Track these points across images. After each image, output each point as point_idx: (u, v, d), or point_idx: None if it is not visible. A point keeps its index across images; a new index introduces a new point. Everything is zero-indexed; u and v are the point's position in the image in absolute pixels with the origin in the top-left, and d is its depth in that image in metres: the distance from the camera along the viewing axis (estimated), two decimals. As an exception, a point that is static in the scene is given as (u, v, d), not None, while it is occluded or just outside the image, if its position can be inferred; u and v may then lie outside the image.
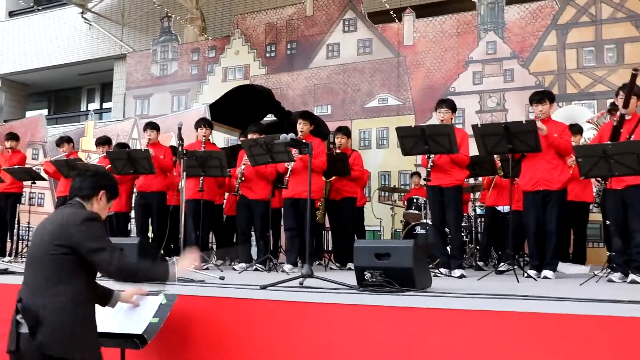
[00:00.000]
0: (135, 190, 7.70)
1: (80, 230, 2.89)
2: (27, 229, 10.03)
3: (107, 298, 3.36)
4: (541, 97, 5.69)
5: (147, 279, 3.20)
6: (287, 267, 6.36)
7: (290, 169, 6.40)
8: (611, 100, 6.17)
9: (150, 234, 7.64)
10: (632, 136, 5.12)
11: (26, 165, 8.98)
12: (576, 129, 6.68)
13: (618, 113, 5.21)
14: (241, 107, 10.05)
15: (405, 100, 10.61)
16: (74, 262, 2.90)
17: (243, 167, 6.74)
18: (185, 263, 3.36)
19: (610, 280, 4.99)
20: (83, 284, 2.95)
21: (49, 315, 2.81)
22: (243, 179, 6.76)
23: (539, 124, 5.48)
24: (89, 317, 3.00)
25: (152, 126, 7.59)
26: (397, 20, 10.88)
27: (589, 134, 6.57)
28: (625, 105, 5.08)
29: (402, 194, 9.33)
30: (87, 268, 2.97)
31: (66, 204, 3.14)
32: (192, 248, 6.79)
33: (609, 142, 5.00)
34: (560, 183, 5.57)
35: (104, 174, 3.26)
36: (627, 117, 5.16)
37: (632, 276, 4.85)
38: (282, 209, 6.93)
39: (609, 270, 5.20)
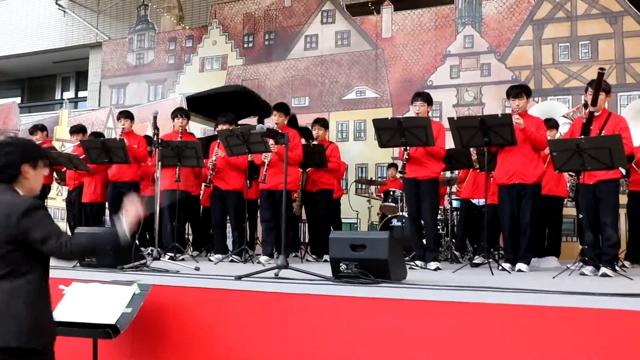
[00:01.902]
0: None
1: (23, 224, 2.60)
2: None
3: None
4: (518, 91, 5.74)
5: (101, 248, 3.04)
6: (263, 258, 6.34)
7: (267, 162, 6.38)
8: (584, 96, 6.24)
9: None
10: (603, 132, 5.19)
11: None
12: (552, 124, 6.74)
13: (587, 110, 5.28)
14: (222, 102, 9.96)
15: (383, 92, 10.62)
16: (24, 255, 2.66)
17: (214, 158, 6.71)
18: (131, 214, 3.00)
19: (583, 274, 5.06)
20: (37, 276, 2.71)
21: None
22: (215, 170, 6.72)
23: (517, 117, 5.53)
24: (39, 307, 2.72)
25: (126, 115, 7.50)
26: (375, 13, 10.87)
27: (564, 129, 6.64)
28: (594, 103, 5.16)
29: (379, 186, 9.35)
30: (37, 261, 2.72)
31: None
32: (167, 239, 6.82)
33: (582, 137, 5.06)
34: (535, 177, 5.63)
35: (13, 144, 2.75)
36: (597, 114, 5.23)
37: (603, 269, 4.93)
38: (259, 200, 6.90)
39: (581, 263, 5.27)
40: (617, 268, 5.11)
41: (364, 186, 9.73)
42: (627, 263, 6.59)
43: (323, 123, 7.57)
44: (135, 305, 3.59)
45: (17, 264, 2.64)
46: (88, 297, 3.70)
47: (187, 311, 3.92)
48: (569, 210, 7.73)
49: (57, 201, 10.99)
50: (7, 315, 2.59)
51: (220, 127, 6.83)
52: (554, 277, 4.79)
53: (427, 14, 10.52)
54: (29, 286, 2.66)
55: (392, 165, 9.31)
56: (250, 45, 11.88)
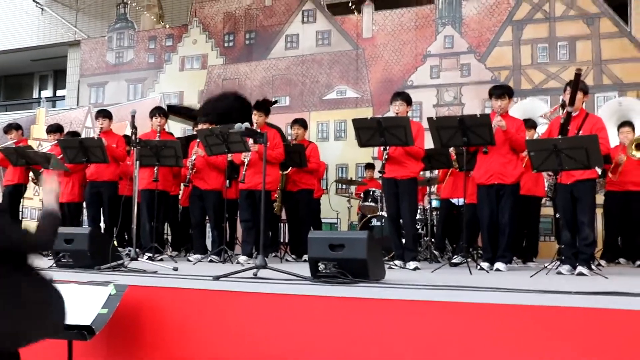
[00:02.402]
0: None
1: None
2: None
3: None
4: (501, 92, 5.77)
5: (55, 231, 2.93)
6: (242, 258, 6.31)
7: (246, 162, 6.36)
8: (562, 96, 6.30)
9: (102, 224, 7.49)
10: (580, 132, 5.24)
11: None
12: (530, 124, 6.80)
13: (565, 110, 5.32)
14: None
15: (364, 92, 10.63)
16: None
17: (194, 157, 6.67)
18: (47, 189, 3.00)
19: (560, 273, 5.10)
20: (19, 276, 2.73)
21: None
22: (194, 170, 6.68)
23: (499, 119, 5.56)
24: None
25: (104, 114, 7.42)
26: (356, 12, 10.88)
27: (543, 129, 6.70)
28: (571, 103, 5.21)
29: (357, 186, 9.36)
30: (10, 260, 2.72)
31: None
32: (146, 239, 6.77)
33: (559, 137, 5.10)
34: (514, 177, 5.67)
35: None
36: (574, 114, 5.28)
37: (579, 268, 4.97)
38: (239, 200, 6.87)
39: (558, 262, 5.31)
40: (593, 267, 5.15)
41: (344, 186, 9.73)
42: (603, 262, 6.66)
43: (302, 123, 7.57)
44: (111, 306, 3.56)
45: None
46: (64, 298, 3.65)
47: (164, 312, 3.89)
48: (547, 210, 7.80)
49: (33, 201, 10.87)
50: None
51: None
52: (531, 276, 4.82)
53: (408, 14, 10.55)
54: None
55: (369, 166, 9.33)
56: (231, 44, 11.84)
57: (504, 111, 5.73)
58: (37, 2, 14.12)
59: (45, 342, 3.65)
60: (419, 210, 7.37)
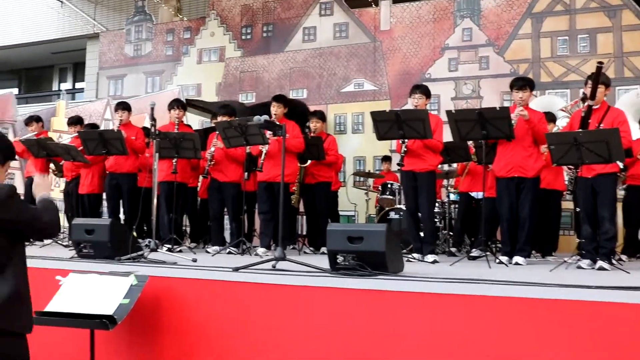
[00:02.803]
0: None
1: (8, 209, 2.58)
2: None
3: None
4: (523, 83, 5.72)
5: (55, 211, 2.87)
6: (260, 250, 6.34)
7: (264, 152, 6.38)
8: (583, 90, 6.24)
9: (121, 215, 7.56)
10: (602, 125, 5.19)
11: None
12: (549, 118, 6.74)
13: (586, 103, 5.27)
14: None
15: (381, 85, 10.60)
16: (8, 242, 2.63)
17: (213, 149, 6.70)
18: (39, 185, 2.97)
19: (580, 267, 5.06)
20: (22, 265, 2.71)
21: None
22: (213, 161, 6.71)
23: (521, 109, 5.52)
24: (25, 292, 2.72)
25: (124, 106, 7.47)
26: (373, 5, 10.84)
27: (562, 122, 6.64)
28: (592, 96, 5.15)
29: (374, 179, 9.35)
30: (19, 246, 2.71)
31: None
32: (165, 230, 6.82)
33: (580, 130, 5.06)
34: (535, 170, 5.62)
35: None
36: (595, 107, 5.23)
37: (600, 263, 4.93)
38: (257, 192, 6.90)
39: (578, 257, 5.27)
40: (614, 262, 5.11)
41: (361, 179, 9.74)
42: (624, 257, 6.59)
43: (321, 116, 7.57)
44: (133, 296, 3.60)
45: (3, 249, 2.61)
46: (85, 287, 3.70)
47: (184, 302, 3.93)
48: (566, 203, 7.73)
49: (54, 192, 10.98)
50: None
51: (219, 119, 6.81)
52: (550, 270, 4.79)
53: (426, 6, 10.50)
54: (16, 271, 2.65)
55: (386, 159, 9.31)
56: (249, 37, 11.85)
57: (525, 103, 5.67)
58: (57, -5, 14.24)
59: (67, 331, 3.72)
60: (437, 204, 7.35)
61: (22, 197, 2.74)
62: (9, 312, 2.60)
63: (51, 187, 2.99)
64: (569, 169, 6.72)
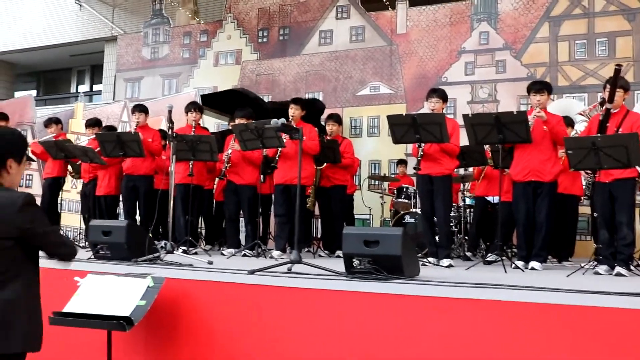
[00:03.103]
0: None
1: (24, 218, 2.53)
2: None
3: None
4: (540, 87, 5.68)
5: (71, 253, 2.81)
6: (275, 253, 6.35)
7: (280, 151, 6.40)
8: (601, 94, 6.20)
9: (137, 217, 7.61)
10: (620, 129, 5.14)
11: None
12: (567, 122, 6.70)
13: (604, 107, 5.23)
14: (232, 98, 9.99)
15: (397, 89, 10.59)
16: (20, 252, 2.58)
17: (230, 151, 6.72)
18: None
19: (597, 273, 5.02)
20: (32, 275, 2.65)
21: None
22: (229, 164, 6.74)
23: (538, 110, 5.48)
24: (36, 308, 2.67)
25: (141, 109, 7.53)
26: (390, 8, 10.83)
27: (580, 126, 6.59)
28: (610, 100, 5.10)
29: (389, 182, 9.34)
30: (32, 256, 2.66)
31: None
32: (180, 232, 6.86)
33: (598, 135, 5.02)
34: (552, 175, 5.57)
35: (2, 137, 2.67)
36: (614, 111, 5.18)
37: (618, 269, 4.89)
38: (273, 195, 6.92)
39: (596, 262, 5.23)
40: (632, 267, 5.06)
41: (376, 182, 9.72)
42: (642, 263, 6.53)
43: (337, 119, 7.57)
44: (150, 297, 3.62)
45: (11, 263, 2.55)
46: (103, 289, 3.73)
47: (200, 304, 3.94)
48: (583, 208, 7.67)
49: (71, 194, 11.09)
50: (7, 322, 2.52)
51: (237, 121, 6.84)
52: (567, 276, 4.76)
53: (443, 10, 10.47)
54: (24, 288, 2.58)
55: (402, 162, 9.30)
56: (265, 40, 11.89)
57: (543, 106, 5.62)
58: (76, -1, 14.38)
59: (85, 332, 3.75)
60: (452, 208, 7.32)
61: (39, 207, 2.69)
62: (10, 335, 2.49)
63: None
64: (587, 173, 6.67)
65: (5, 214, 2.52)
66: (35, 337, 2.62)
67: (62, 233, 2.64)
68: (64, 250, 2.70)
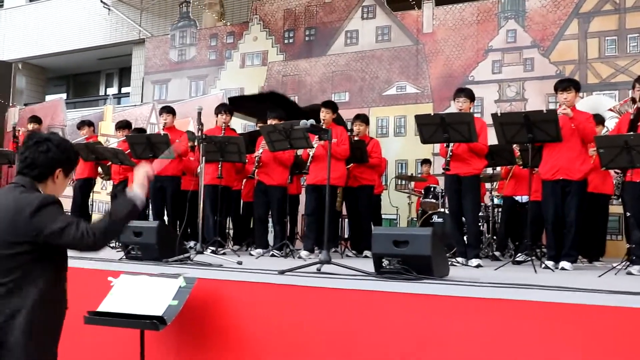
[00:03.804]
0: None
1: (37, 220, 2.47)
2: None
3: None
4: (567, 84, 5.62)
5: (125, 221, 2.71)
6: (303, 253, 6.38)
7: (311, 155, 6.42)
8: (631, 92, 6.10)
9: (165, 218, 7.69)
10: (651, 128, 5.07)
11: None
12: (598, 120, 6.61)
13: (635, 106, 5.16)
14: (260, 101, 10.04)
15: (424, 88, 10.55)
16: (36, 257, 2.52)
17: (261, 151, 6.76)
18: (139, 175, 2.82)
19: (629, 273, 4.96)
20: (50, 280, 2.57)
21: (9, 334, 2.45)
22: (260, 164, 6.78)
23: (563, 107, 5.43)
24: (52, 323, 2.60)
25: (168, 110, 7.62)
26: (416, 8, 10.80)
27: (611, 123, 6.50)
28: None
29: (415, 182, 9.31)
30: (52, 260, 2.58)
31: (12, 182, 2.64)
32: (209, 233, 6.92)
33: (631, 133, 4.95)
34: (582, 173, 5.50)
35: (58, 146, 2.64)
36: (645, 109, 5.12)
37: (651, 268, 4.83)
38: (300, 195, 6.94)
39: (628, 262, 5.16)
40: (665, 267, 4.99)
41: (403, 182, 9.70)
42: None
43: (364, 119, 7.57)
44: (182, 297, 3.66)
45: (27, 265, 2.50)
46: (136, 289, 3.79)
47: (230, 304, 3.98)
48: (615, 208, 7.57)
49: (101, 195, 11.24)
50: (21, 339, 2.46)
51: (268, 122, 6.88)
52: (599, 276, 4.71)
53: (469, 8, 10.41)
54: (42, 296, 2.50)
55: (426, 162, 9.26)
56: (291, 41, 11.94)
57: (571, 104, 5.56)
58: (104, 3, 14.59)
59: (118, 331, 3.81)
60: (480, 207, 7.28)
61: (58, 207, 2.59)
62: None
63: (146, 190, 2.78)
64: (616, 172, 6.58)
65: (20, 218, 2.47)
66: (45, 348, 2.55)
67: (79, 226, 2.50)
68: (85, 243, 2.53)
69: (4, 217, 2.49)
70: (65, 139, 2.79)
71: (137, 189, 2.73)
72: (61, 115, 12.53)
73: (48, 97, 16.94)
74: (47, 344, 2.58)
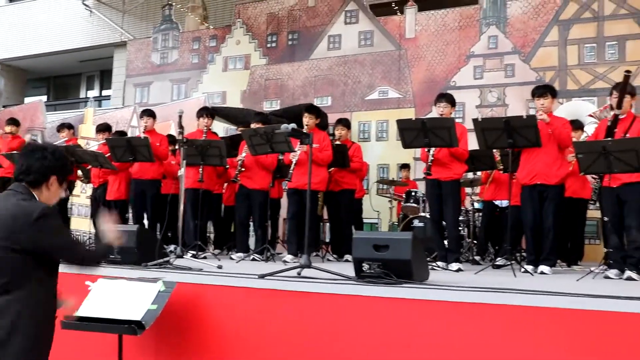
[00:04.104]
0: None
1: (35, 230, 2.55)
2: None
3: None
4: (543, 91, 5.70)
5: (101, 260, 3.15)
6: (288, 257, 6.37)
7: (294, 161, 6.41)
8: (609, 99, 6.19)
9: (145, 221, 7.63)
10: (627, 135, 5.13)
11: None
12: (577, 125, 6.69)
13: (612, 113, 5.23)
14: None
15: (406, 93, 10.60)
16: (29, 263, 2.59)
17: (244, 155, 6.73)
18: (109, 232, 3.04)
19: (607, 277, 5.01)
20: (41, 284, 2.65)
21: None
22: (243, 168, 6.75)
23: (540, 113, 5.50)
24: (38, 322, 2.65)
25: (149, 113, 7.58)
26: (399, 13, 10.85)
27: (591, 128, 6.57)
28: (619, 106, 5.12)
29: (395, 187, 9.33)
30: (44, 266, 2.67)
31: (9, 188, 2.73)
32: (190, 237, 6.88)
33: (609, 139, 5.00)
34: (558, 178, 5.57)
35: (53, 154, 2.77)
36: (622, 117, 5.19)
37: (628, 273, 4.88)
38: (281, 199, 6.92)
39: (606, 266, 5.21)
40: (642, 272, 5.04)
41: (385, 186, 9.72)
42: (652, 267, 6.49)
43: (346, 123, 7.58)
44: (161, 302, 3.63)
45: (18, 270, 2.56)
46: (114, 293, 3.75)
47: (210, 308, 3.96)
48: (593, 212, 7.65)
49: (81, 198, 11.14)
50: (9, 336, 2.53)
51: (252, 126, 6.86)
52: (577, 280, 4.75)
53: (451, 14, 10.48)
54: (30, 300, 2.57)
55: (405, 167, 9.29)
56: (274, 45, 11.93)
57: (547, 110, 5.64)
58: (86, 5, 14.48)
59: (96, 336, 3.77)
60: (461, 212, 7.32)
61: (56, 218, 2.74)
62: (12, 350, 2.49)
63: (119, 240, 3.12)
64: (593, 178, 6.65)
65: (19, 225, 2.55)
66: (34, 352, 2.59)
67: (77, 242, 2.87)
68: (81, 260, 2.79)
69: (2, 223, 2.57)
70: (60, 148, 2.91)
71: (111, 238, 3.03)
72: (41, 118, 12.40)
73: (27, 99, 16.76)
74: (34, 348, 2.59)
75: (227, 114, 10.23)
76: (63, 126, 8.73)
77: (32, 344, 2.58)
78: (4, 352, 2.51)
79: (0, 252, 2.54)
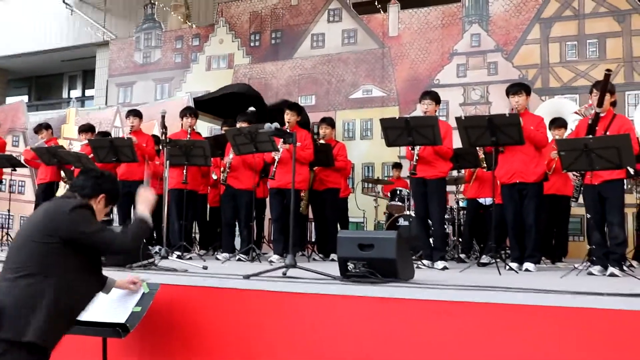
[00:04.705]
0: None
1: (71, 218, 2.89)
2: (7, 216, 9.92)
3: (101, 284, 3.33)
4: (517, 88, 5.76)
5: (143, 235, 3.33)
6: (274, 257, 6.36)
7: (277, 159, 6.40)
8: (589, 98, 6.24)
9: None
10: (607, 132, 5.18)
11: (6, 152, 8.89)
12: (560, 123, 6.74)
13: (593, 111, 5.28)
14: (226, 100, 9.99)
15: (390, 91, 10.62)
16: (59, 252, 2.87)
17: (231, 156, 6.70)
18: (142, 198, 3.41)
19: (590, 274, 5.05)
20: (68, 273, 2.90)
21: (6, 299, 2.78)
22: (229, 170, 6.72)
23: (515, 110, 5.56)
24: (63, 307, 2.90)
25: (135, 113, 7.53)
26: (382, 11, 10.87)
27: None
28: (600, 104, 5.16)
29: (384, 185, 9.36)
30: (74, 258, 2.93)
31: (62, 195, 3.15)
32: (175, 237, 6.84)
33: (590, 137, 5.05)
34: (536, 175, 5.62)
35: (108, 178, 3.28)
36: (602, 115, 5.24)
37: (611, 269, 4.91)
38: (267, 199, 6.91)
39: (589, 263, 5.26)
40: (625, 268, 5.09)
41: (370, 185, 9.74)
42: (635, 263, 6.57)
43: (330, 122, 7.58)
44: (145, 304, 3.60)
45: (44, 259, 2.82)
46: (98, 295, 3.71)
47: (196, 310, 3.94)
48: (576, 209, 7.71)
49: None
50: (30, 310, 2.76)
51: (238, 125, 6.83)
52: (561, 277, 4.78)
53: (434, 12, 10.52)
54: (58, 284, 2.83)
55: (397, 166, 9.31)
56: (257, 43, 11.90)
57: (522, 108, 5.70)
58: (67, 4, 14.34)
59: (80, 339, 3.73)
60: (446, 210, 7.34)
61: (92, 213, 3.06)
62: (14, 321, 2.72)
63: (153, 204, 3.38)
64: (575, 175, 6.70)
65: (57, 214, 2.91)
66: (50, 333, 2.82)
67: (110, 231, 3.06)
68: (114, 248, 3.06)
69: (45, 214, 2.95)
70: (114, 175, 3.52)
71: (142, 209, 3.32)
72: (22, 119, 12.25)
73: (8, 100, 16.57)
74: (54, 327, 2.84)
75: (210, 104, 10.09)
76: (41, 127, 8.64)
77: (50, 330, 2.82)
78: (27, 328, 2.73)
79: (36, 237, 2.86)
